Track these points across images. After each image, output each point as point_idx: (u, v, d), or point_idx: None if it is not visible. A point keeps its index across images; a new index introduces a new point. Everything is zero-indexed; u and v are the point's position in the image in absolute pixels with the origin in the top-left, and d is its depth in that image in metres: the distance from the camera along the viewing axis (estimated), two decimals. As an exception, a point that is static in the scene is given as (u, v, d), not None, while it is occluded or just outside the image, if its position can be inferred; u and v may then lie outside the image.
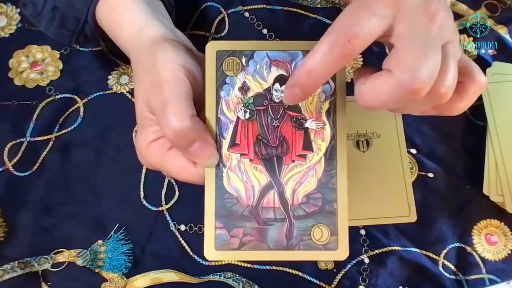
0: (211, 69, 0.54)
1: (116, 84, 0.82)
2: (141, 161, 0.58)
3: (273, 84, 0.53)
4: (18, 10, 0.87)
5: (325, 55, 0.45)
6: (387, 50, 0.78)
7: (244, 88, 0.54)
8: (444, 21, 0.47)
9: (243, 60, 0.54)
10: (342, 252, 0.54)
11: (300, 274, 0.73)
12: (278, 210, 0.54)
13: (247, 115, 0.54)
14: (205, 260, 0.73)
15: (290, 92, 0.49)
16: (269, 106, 0.53)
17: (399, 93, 0.45)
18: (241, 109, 0.54)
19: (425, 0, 0.47)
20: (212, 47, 0.54)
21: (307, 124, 0.54)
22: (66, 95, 0.82)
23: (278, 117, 0.53)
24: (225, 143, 0.54)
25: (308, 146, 0.54)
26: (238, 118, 0.54)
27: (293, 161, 0.54)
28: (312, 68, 0.46)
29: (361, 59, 0.83)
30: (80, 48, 0.85)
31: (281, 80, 0.53)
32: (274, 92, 0.53)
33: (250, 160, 0.54)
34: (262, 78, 0.53)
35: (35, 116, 0.80)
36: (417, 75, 0.44)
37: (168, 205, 0.76)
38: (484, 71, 0.82)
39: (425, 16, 0.46)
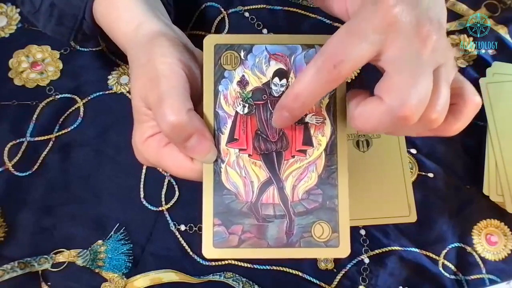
0: (209, 63, 0.53)
1: (116, 84, 0.82)
2: (137, 158, 0.57)
3: (272, 78, 0.53)
4: (18, 10, 0.87)
5: (312, 79, 0.46)
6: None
7: (242, 82, 0.53)
8: (436, 44, 0.46)
9: (242, 54, 0.53)
10: (343, 249, 0.53)
11: (300, 274, 0.73)
12: (277, 206, 0.54)
13: (246, 110, 0.53)
14: (205, 260, 0.73)
15: (279, 115, 0.50)
16: (268, 101, 0.53)
17: (389, 119, 0.45)
18: (239, 104, 0.53)
19: (417, 23, 0.46)
20: (210, 41, 0.53)
21: (307, 119, 0.53)
22: (66, 95, 0.82)
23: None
24: (224, 138, 0.53)
25: (308, 141, 0.53)
26: (236, 112, 0.53)
27: (293, 157, 0.53)
28: (299, 92, 0.47)
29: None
30: (80, 48, 0.85)
31: (280, 74, 0.53)
32: (273, 86, 0.53)
33: (249, 155, 0.53)
34: (261, 72, 0.53)
35: (35, 116, 0.80)
36: (406, 102, 0.44)
37: (168, 205, 0.76)
38: (484, 71, 0.82)
39: (416, 39, 0.46)
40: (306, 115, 0.53)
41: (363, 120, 0.47)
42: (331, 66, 0.45)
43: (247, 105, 0.53)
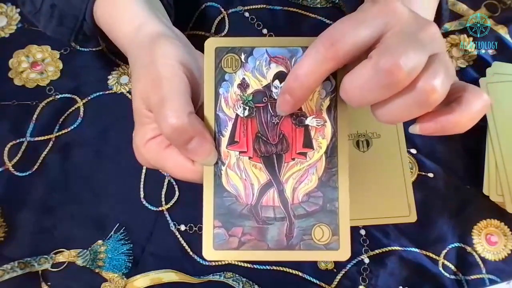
0: (210, 66, 0.53)
1: (116, 84, 0.82)
2: (138, 159, 0.57)
3: (273, 80, 0.53)
4: (18, 10, 0.87)
5: (310, 58, 0.46)
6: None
7: (243, 85, 0.53)
8: (434, 34, 0.47)
9: (242, 56, 0.53)
10: (343, 252, 0.53)
11: (300, 274, 0.73)
12: (278, 208, 0.53)
13: (246, 112, 0.53)
14: (205, 260, 0.73)
15: (282, 99, 0.49)
16: (269, 103, 0.53)
17: (375, 75, 0.44)
18: (240, 106, 0.53)
19: (417, 15, 0.47)
20: (211, 44, 0.53)
21: (307, 121, 0.53)
22: (66, 95, 0.82)
23: (278, 114, 0.53)
24: (224, 141, 0.53)
25: (308, 143, 0.53)
26: (237, 115, 0.53)
27: (293, 159, 0.53)
28: (298, 72, 0.47)
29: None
30: (80, 48, 0.85)
31: (280, 76, 0.52)
32: (273, 89, 0.53)
33: (249, 158, 0.53)
34: (261, 75, 0.53)
35: (35, 116, 0.80)
36: (394, 59, 0.43)
37: (168, 205, 0.76)
38: (484, 71, 0.82)
39: (415, 24, 0.46)
40: (306, 117, 0.53)
41: (351, 81, 0.46)
42: (328, 44, 0.45)
43: (247, 107, 0.53)
